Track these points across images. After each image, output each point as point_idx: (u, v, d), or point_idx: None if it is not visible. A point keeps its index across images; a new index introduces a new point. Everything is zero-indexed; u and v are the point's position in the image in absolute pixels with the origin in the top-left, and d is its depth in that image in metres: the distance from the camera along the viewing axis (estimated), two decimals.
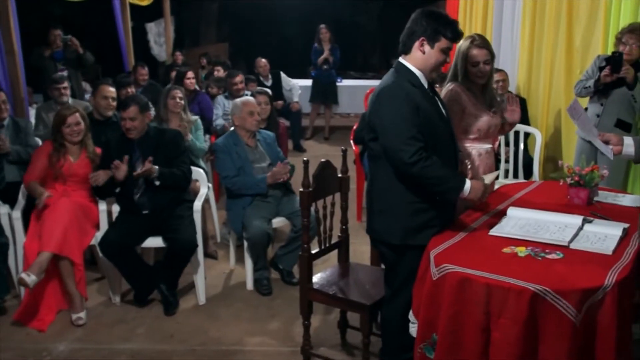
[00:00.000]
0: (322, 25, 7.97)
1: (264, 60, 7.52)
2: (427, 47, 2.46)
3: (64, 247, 3.44)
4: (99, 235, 3.64)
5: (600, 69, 3.75)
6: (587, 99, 3.95)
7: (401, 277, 2.57)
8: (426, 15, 2.46)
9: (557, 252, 2.30)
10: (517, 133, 4.58)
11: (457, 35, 2.51)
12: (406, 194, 2.48)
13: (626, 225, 2.48)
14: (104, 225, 3.71)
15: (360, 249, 3.97)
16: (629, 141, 2.53)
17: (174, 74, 6.32)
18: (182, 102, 4.66)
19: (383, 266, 2.84)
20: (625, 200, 2.95)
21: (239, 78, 5.76)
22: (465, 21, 5.79)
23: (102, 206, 3.74)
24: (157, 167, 3.60)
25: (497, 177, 2.81)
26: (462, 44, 2.89)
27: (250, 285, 3.93)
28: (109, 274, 3.74)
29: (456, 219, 2.64)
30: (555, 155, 4.68)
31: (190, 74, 5.92)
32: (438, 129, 2.50)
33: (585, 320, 2.02)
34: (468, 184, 2.44)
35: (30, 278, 3.29)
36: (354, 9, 11.68)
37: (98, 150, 3.81)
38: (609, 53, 3.81)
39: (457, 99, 2.89)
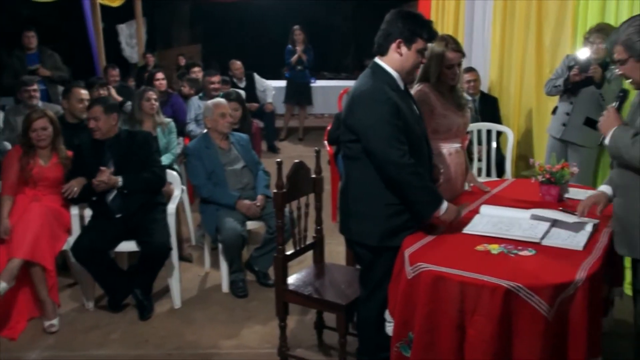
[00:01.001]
0: (296, 27, 7.95)
1: (238, 62, 7.47)
2: (404, 49, 2.46)
3: (35, 253, 3.37)
4: (71, 240, 3.58)
5: (569, 68, 3.82)
6: (557, 97, 4.03)
7: (377, 277, 2.57)
8: (402, 17, 2.46)
9: (530, 248, 2.34)
10: (489, 132, 4.64)
11: (432, 35, 2.52)
12: (384, 196, 2.47)
13: (596, 221, 2.54)
14: (76, 230, 3.64)
15: (336, 250, 3.97)
16: (608, 191, 2.51)
17: (146, 75, 6.23)
18: (157, 103, 4.62)
19: (358, 266, 2.85)
20: None
21: (217, 78, 5.72)
22: (437, 21, 5.83)
23: (74, 210, 3.67)
24: (119, 177, 3.55)
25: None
26: (436, 46, 2.87)
27: (225, 287, 3.90)
28: (82, 280, 3.68)
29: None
30: (527, 153, 4.75)
31: (159, 75, 5.84)
32: (414, 131, 2.51)
33: (557, 315, 2.06)
34: (445, 204, 2.45)
35: (1, 286, 3.22)
36: (328, 10, 11.68)
37: (70, 154, 3.75)
38: (577, 52, 3.88)
39: (425, 99, 2.89)
